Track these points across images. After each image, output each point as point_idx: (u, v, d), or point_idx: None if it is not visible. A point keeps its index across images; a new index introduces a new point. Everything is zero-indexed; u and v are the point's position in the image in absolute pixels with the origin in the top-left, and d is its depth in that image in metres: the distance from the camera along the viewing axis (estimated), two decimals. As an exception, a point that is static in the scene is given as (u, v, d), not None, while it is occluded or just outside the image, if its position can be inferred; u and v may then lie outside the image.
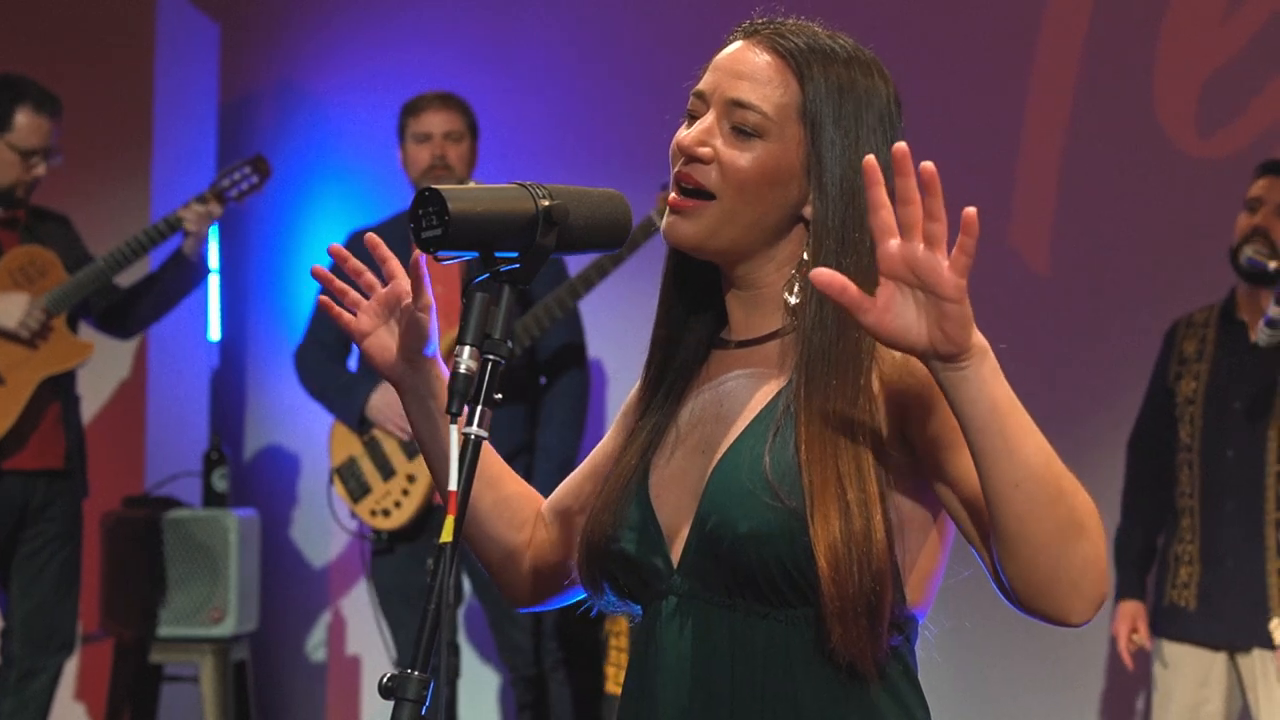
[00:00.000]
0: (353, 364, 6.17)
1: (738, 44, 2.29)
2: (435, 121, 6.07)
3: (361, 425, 5.95)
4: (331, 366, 6.12)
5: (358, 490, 5.94)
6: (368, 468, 5.94)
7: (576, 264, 5.92)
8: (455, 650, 6.16)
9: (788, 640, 2.19)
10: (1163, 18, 6.66)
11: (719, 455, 2.24)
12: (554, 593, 2.51)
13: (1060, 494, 2.02)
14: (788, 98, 2.23)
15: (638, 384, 2.43)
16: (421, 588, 5.53)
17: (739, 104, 2.23)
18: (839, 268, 2.17)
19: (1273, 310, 4.86)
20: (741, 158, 2.22)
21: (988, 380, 2.00)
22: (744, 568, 2.18)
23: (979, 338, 2.00)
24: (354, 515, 6.03)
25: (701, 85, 2.28)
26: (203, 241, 6.08)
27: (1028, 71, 6.77)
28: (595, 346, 6.31)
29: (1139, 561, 5.62)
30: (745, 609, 2.21)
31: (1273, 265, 5.01)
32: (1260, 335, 4.92)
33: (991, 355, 2.01)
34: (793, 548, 2.13)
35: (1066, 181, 6.67)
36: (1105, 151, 6.61)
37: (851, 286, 1.99)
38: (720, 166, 2.23)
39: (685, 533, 2.25)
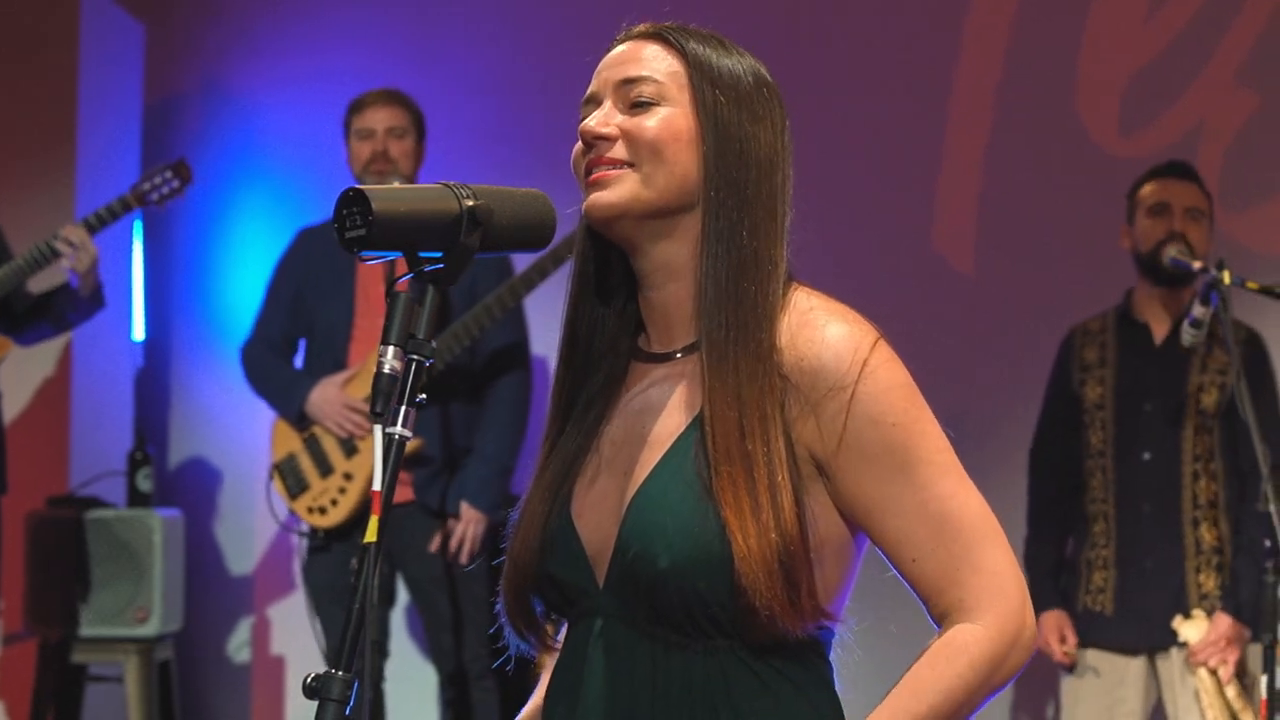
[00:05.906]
0: (298, 362, 6.14)
1: (616, 48, 2.36)
2: (378, 117, 6.02)
3: (301, 422, 5.92)
4: (276, 363, 6.09)
5: (296, 487, 5.90)
6: (306, 464, 5.90)
7: (521, 262, 5.86)
8: (383, 651, 6.13)
9: (706, 672, 2.21)
10: (1086, 17, 6.70)
11: (638, 483, 2.25)
12: None
13: (960, 709, 2.18)
14: (674, 65, 2.29)
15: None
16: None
17: (630, 80, 2.29)
18: (737, 225, 2.24)
19: (1197, 310, 4.90)
20: (645, 122, 2.26)
21: None
22: (664, 601, 2.20)
23: None
24: (291, 512, 5.98)
25: (589, 90, 2.34)
26: (91, 275, 5.88)
27: (950, 70, 6.80)
28: (541, 344, 6.23)
29: (1054, 572, 5.62)
30: (665, 639, 2.22)
31: (1196, 265, 5.06)
32: (1185, 335, 4.96)
33: None
34: (711, 581, 2.15)
35: (989, 181, 6.70)
36: (1028, 151, 6.65)
37: None
38: (627, 137, 2.27)
39: (609, 555, 2.26)
